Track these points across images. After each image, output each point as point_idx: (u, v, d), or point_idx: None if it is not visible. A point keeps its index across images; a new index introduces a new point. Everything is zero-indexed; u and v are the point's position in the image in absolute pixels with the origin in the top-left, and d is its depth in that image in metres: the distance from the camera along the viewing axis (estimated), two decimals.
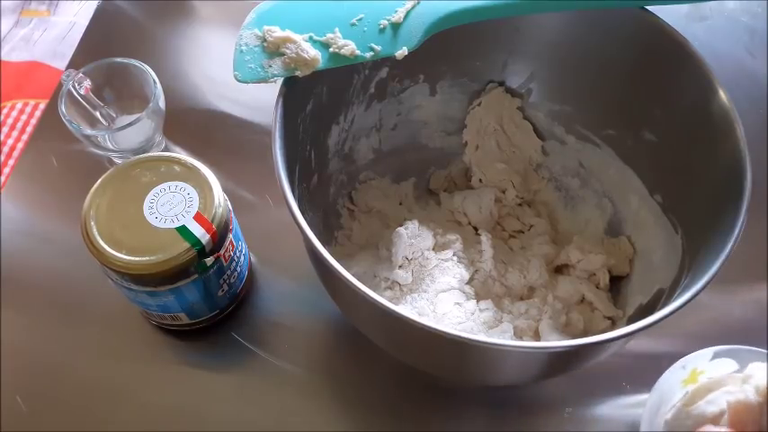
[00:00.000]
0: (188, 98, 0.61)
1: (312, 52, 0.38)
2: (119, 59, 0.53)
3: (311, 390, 0.47)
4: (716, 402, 0.36)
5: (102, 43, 0.64)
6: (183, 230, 0.41)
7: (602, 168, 0.49)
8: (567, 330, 0.45)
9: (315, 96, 0.43)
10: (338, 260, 0.34)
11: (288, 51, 0.38)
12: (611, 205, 0.49)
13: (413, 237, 0.46)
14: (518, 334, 0.45)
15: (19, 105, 0.68)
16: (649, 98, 0.44)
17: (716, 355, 0.44)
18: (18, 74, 0.71)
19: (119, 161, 0.54)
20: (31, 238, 0.54)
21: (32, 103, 0.68)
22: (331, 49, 0.38)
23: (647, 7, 0.41)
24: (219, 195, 0.43)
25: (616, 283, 0.48)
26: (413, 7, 0.39)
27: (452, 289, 0.46)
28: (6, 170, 0.64)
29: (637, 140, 0.46)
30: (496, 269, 0.47)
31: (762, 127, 0.59)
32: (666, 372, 0.42)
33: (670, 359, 0.43)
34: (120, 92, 0.55)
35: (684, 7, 0.63)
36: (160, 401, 0.47)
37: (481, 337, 0.35)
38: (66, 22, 0.76)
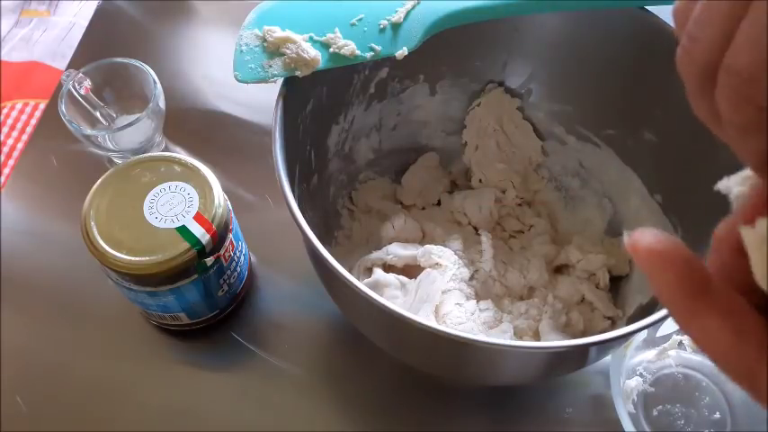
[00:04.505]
0: (188, 98, 0.61)
1: (312, 52, 0.38)
2: (119, 59, 0.53)
3: (311, 390, 0.47)
4: None
5: (102, 43, 0.64)
6: (183, 230, 0.41)
7: (602, 168, 0.49)
8: (567, 330, 0.45)
9: (315, 96, 0.43)
10: (338, 260, 0.34)
11: (288, 51, 0.38)
12: (611, 205, 0.49)
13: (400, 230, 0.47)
14: (518, 334, 0.45)
15: (19, 105, 0.68)
16: (649, 98, 0.44)
17: None
18: (18, 74, 0.71)
19: (119, 161, 0.54)
20: (31, 238, 0.54)
21: (32, 103, 0.68)
22: (331, 50, 0.38)
23: (647, 7, 0.41)
24: (219, 195, 0.43)
25: (616, 283, 0.48)
26: (413, 7, 0.39)
27: (452, 289, 0.46)
28: (6, 170, 0.64)
29: (637, 140, 0.46)
30: (496, 269, 0.47)
31: None
32: None
33: None
34: (120, 92, 0.55)
35: None
36: (160, 401, 0.47)
37: (481, 337, 0.35)
38: (66, 22, 0.76)
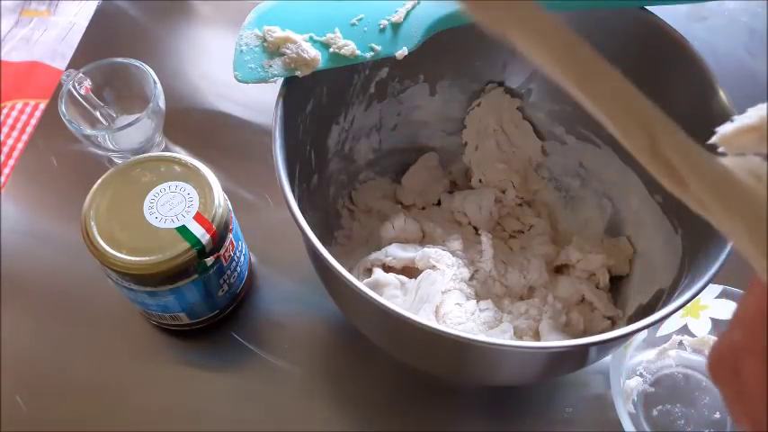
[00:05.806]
0: (188, 98, 0.61)
1: (312, 52, 0.38)
2: (119, 59, 0.53)
3: (311, 390, 0.47)
4: None
5: (102, 43, 0.64)
6: (183, 230, 0.41)
7: (602, 168, 0.49)
8: (567, 330, 0.45)
9: (315, 96, 0.43)
10: (338, 260, 0.34)
11: (288, 51, 0.38)
12: (611, 205, 0.49)
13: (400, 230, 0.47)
14: (518, 334, 0.45)
15: (19, 105, 0.68)
16: (649, 98, 0.44)
17: (723, 294, 0.43)
18: (18, 74, 0.71)
19: (119, 161, 0.54)
20: (31, 238, 0.54)
21: (32, 103, 0.68)
22: (331, 49, 0.38)
23: (647, 7, 0.41)
24: (219, 195, 0.43)
25: (616, 283, 0.48)
26: (413, 7, 0.39)
27: (452, 289, 0.46)
28: (6, 170, 0.64)
29: None
30: (496, 269, 0.47)
31: None
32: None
33: None
34: (120, 92, 0.55)
35: (684, 7, 0.63)
36: (160, 401, 0.47)
37: (481, 337, 0.35)
38: (66, 22, 0.76)
